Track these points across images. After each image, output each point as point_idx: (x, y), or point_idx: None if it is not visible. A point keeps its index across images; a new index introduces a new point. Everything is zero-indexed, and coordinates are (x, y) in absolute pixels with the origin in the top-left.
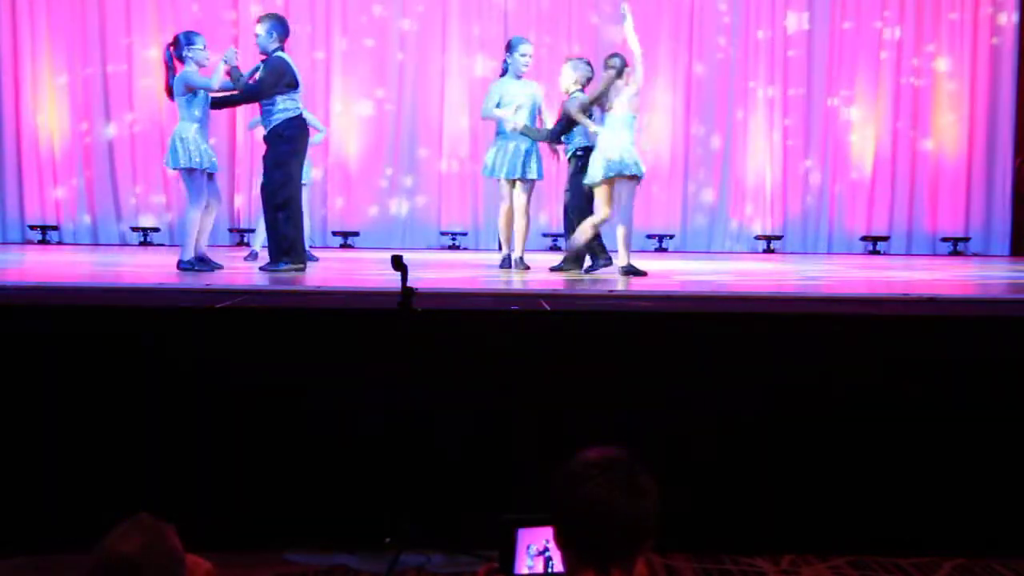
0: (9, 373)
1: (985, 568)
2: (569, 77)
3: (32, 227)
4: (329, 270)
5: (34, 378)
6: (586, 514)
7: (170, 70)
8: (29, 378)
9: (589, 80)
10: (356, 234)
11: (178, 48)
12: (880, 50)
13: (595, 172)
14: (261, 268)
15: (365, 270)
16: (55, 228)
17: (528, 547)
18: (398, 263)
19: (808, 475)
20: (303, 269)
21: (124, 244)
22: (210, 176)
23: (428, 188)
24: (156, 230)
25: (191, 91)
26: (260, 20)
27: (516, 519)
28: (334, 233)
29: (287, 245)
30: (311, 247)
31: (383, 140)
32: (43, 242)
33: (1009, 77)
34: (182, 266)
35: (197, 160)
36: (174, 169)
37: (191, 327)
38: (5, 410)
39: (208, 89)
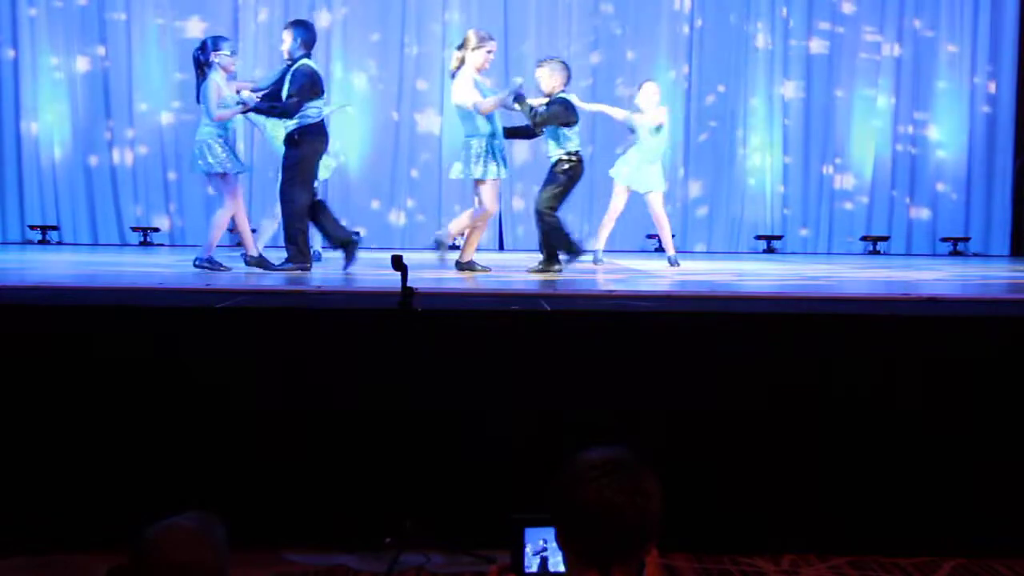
0: (9, 373)
1: (985, 568)
2: (555, 79)
3: (32, 227)
4: (329, 270)
5: (34, 378)
6: (589, 515)
7: (198, 74)
8: (29, 378)
9: (568, 80)
10: (356, 234)
11: (205, 52)
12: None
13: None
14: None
15: (365, 270)
16: (55, 228)
17: (527, 546)
18: (398, 263)
19: (808, 475)
20: (307, 269)
21: (124, 244)
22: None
23: (429, 188)
24: (156, 230)
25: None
26: (287, 27)
27: (525, 518)
28: None
29: (294, 246)
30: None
31: (384, 143)
32: (43, 242)
33: (1010, 76)
34: (197, 263)
35: (229, 165)
36: (206, 174)
37: (191, 327)
38: (5, 410)
39: (210, 116)
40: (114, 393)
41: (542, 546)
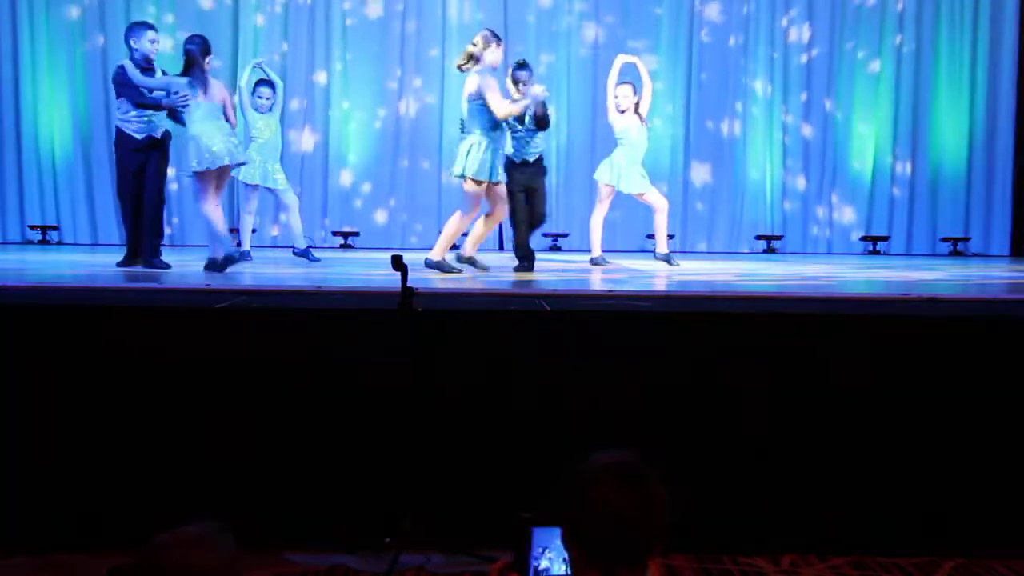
0: (9, 373)
1: (985, 568)
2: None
3: (32, 227)
4: (329, 270)
5: (33, 378)
6: (595, 517)
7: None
8: (29, 378)
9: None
10: (356, 234)
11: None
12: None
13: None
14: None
15: (365, 270)
16: (55, 228)
17: (533, 545)
18: (398, 263)
19: (808, 475)
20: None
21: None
22: None
23: (428, 189)
24: None
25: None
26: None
27: (532, 517)
28: (334, 233)
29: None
30: (309, 247)
31: (383, 142)
32: (43, 242)
33: (1009, 76)
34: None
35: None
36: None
37: (191, 327)
38: (5, 410)
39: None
40: (113, 393)
41: (548, 546)
